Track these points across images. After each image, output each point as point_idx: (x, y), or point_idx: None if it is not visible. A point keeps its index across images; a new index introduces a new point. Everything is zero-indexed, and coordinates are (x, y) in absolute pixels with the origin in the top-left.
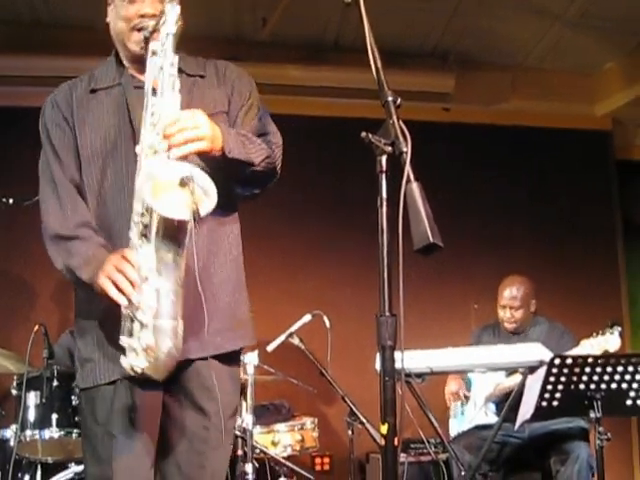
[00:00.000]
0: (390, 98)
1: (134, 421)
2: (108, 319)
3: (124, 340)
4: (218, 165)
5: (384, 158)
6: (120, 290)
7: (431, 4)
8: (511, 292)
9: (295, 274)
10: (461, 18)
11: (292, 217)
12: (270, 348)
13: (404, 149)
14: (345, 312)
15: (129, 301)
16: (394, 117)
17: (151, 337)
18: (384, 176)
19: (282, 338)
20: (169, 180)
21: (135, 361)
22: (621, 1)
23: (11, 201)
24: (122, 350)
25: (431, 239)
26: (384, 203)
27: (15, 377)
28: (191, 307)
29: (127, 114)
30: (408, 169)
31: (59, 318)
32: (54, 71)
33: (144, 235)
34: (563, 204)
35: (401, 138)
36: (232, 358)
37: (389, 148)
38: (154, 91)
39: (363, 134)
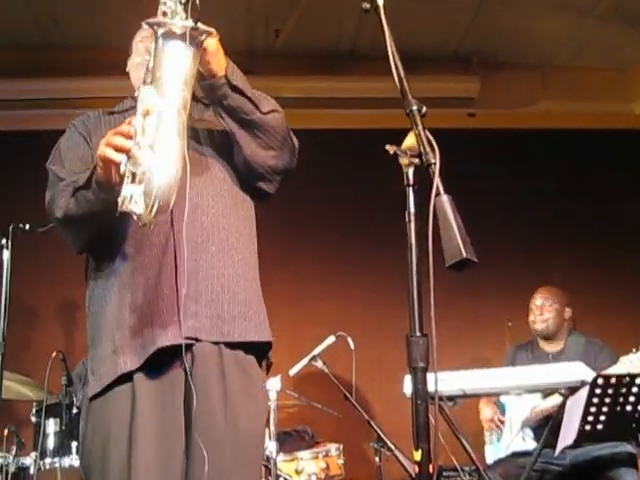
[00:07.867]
0: (415, 107)
1: (157, 444)
2: (122, 315)
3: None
4: (221, 103)
5: (411, 171)
6: (117, 148)
7: (451, 4)
8: (542, 295)
9: (317, 295)
10: (484, 17)
11: (311, 235)
12: (293, 372)
13: (432, 160)
14: (370, 332)
15: (128, 154)
16: (420, 127)
17: (150, 161)
18: (412, 189)
19: (305, 361)
20: None
21: (130, 190)
22: None
23: (27, 227)
24: (140, 334)
25: (464, 254)
26: (412, 218)
27: (34, 404)
28: (201, 272)
29: None
30: (437, 181)
31: (75, 345)
32: (68, 93)
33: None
34: (603, 210)
35: (428, 149)
36: (251, 367)
37: (416, 160)
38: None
39: (388, 147)
